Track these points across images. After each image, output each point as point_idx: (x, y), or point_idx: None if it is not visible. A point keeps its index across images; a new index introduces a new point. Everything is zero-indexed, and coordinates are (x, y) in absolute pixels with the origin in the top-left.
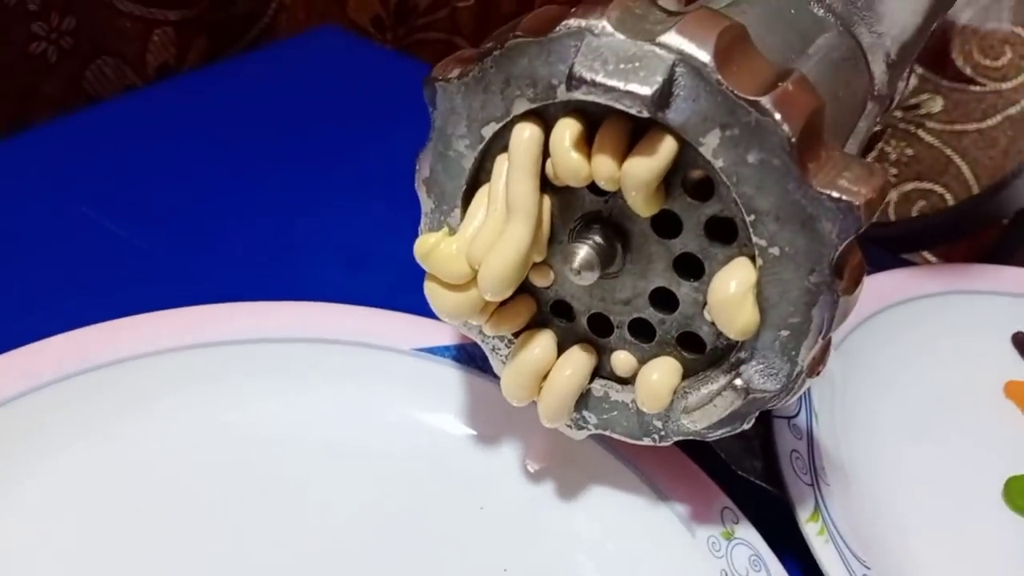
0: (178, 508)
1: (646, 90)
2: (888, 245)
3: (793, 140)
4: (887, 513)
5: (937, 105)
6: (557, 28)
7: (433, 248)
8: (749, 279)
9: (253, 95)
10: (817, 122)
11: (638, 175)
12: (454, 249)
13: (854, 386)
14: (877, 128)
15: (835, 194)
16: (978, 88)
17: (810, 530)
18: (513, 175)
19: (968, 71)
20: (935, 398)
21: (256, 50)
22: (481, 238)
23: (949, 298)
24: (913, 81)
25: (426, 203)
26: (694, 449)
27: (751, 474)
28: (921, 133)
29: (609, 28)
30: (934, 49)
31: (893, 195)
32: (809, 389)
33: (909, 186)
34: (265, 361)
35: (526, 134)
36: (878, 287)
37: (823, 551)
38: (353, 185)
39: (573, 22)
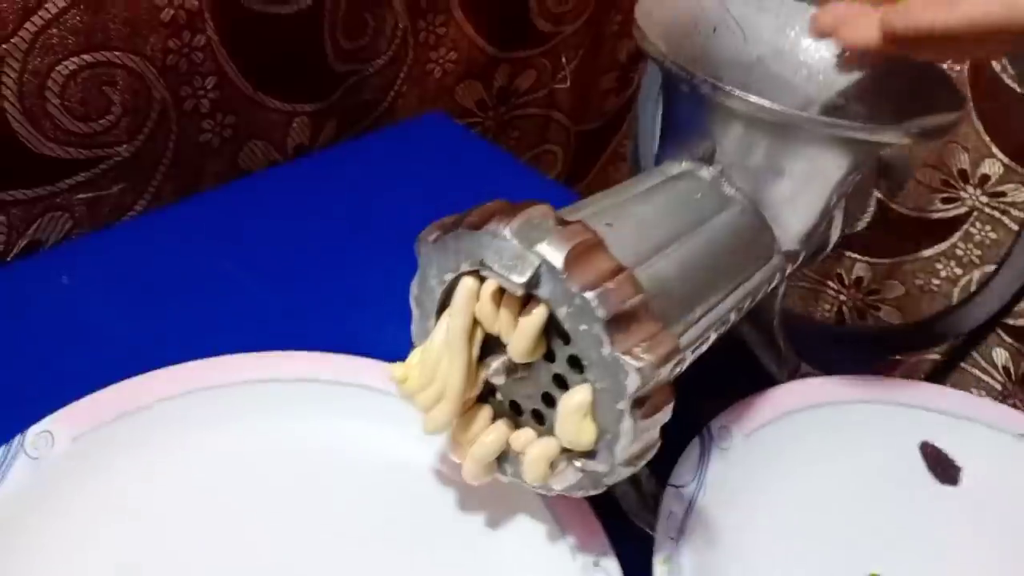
0: (245, 487)
1: (520, 279)
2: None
3: (605, 320)
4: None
5: (1022, 194)
6: (484, 227)
7: (400, 382)
8: (586, 399)
9: (368, 171)
10: (630, 309)
11: (527, 327)
12: (414, 387)
13: (755, 469)
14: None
15: (627, 359)
16: None
17: (659, 570)
18: (451, 359)
19: None
20: (828, 491)
21: (373, 132)
22: (424, 397)
23: (862, 406)
24: (1000, 170)
25: (415, 312)
26: (602, 500)
27: (645, 525)
28: (1005, 219)
29: (509, 235)
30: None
31: (976, 274)
32: (707, 466)
33: (991, 267)
34: (310, 397)
35: (464, 289)
36: (804, 390)
37: None
38: None
39: (491, 226)
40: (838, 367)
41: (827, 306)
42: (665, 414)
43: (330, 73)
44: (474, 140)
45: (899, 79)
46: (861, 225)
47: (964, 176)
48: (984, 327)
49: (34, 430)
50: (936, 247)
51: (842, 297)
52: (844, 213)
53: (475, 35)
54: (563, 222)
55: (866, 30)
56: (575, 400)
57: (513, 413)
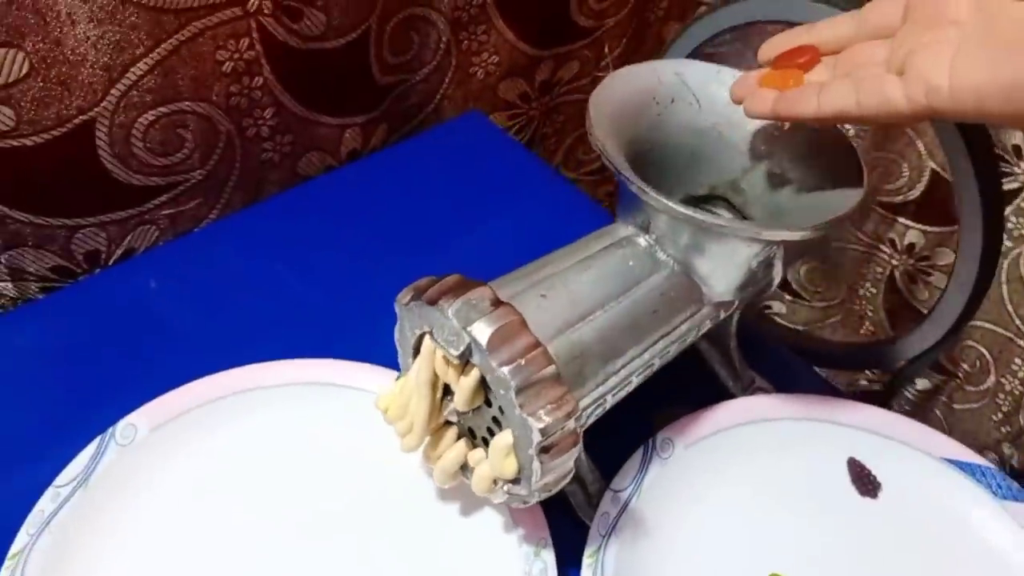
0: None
1: (456, 352)
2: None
3: (516, 388)
4: (652, 567)
5: None
6: (437, 303)
7: (384, 411)
8: (508, 442)
9: (410, 173)
10: (538, 380)
11: (465, 385)
12: (393, 417)
13: (690, 478)
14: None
15: (532, 419)
16: None
17: (586, 563)
18: (418, 402)
19: None
20: (757, 500)
21: (419, 132)
22: (400, 426)
23: (796, 423)
24: None
25: (399, 350)
26: (555, 498)
27: (588, 520)
28: None
29: (451, 314)
30: None
31: (1004, 263)
32: (646, 473)
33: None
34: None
35: (426, 347)
36: (744, 407)
37: (586, 570)
38: (470, 257)
39: (441, 303)
40: (794, 382)
41: (879, 269)
42: (571, 455)
43: (377, 87)
44: (506, 140)
45: (821, 152)
46: None
47: (1018, 152)
48: (931, 350)
49: (123, 422)
50: None
51: (894, 261)
52: (784, 261)
53: (516, 40)
54: (496, 303)
55: (763, 105)
56: (500, 442)
57: (471, 436)
